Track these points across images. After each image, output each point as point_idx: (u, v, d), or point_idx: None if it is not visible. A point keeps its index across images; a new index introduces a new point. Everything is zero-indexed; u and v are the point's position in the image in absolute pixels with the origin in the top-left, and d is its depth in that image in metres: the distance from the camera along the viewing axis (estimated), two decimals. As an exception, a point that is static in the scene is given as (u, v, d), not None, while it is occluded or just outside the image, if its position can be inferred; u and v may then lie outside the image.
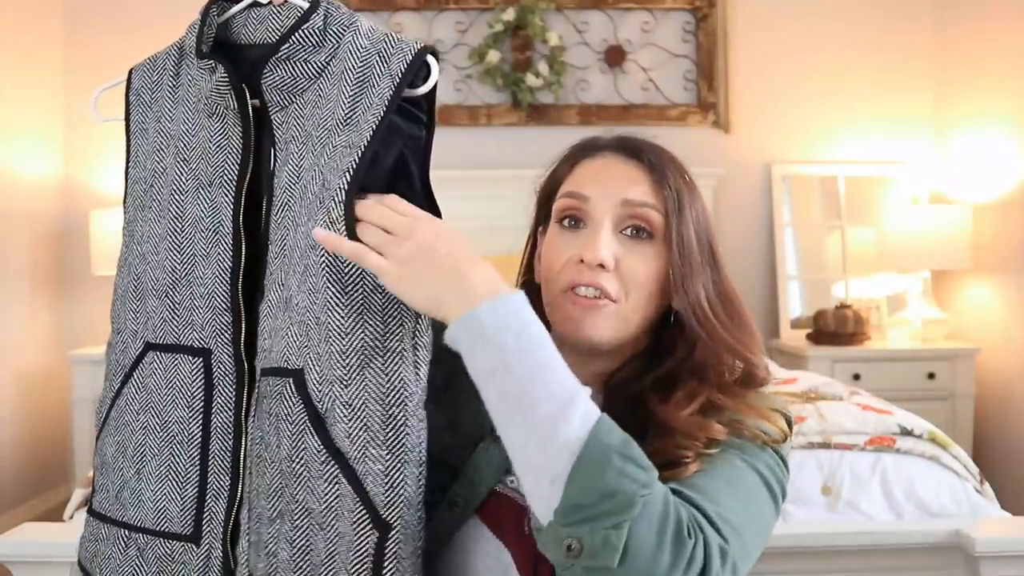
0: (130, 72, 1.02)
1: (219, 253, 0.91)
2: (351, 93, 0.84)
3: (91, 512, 1.01)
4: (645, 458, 0.72)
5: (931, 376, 3.30)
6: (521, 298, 0.76)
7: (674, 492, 0.75)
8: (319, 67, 0.88)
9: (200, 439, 0.91)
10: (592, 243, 0.87)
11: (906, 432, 1.73)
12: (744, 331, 0.90)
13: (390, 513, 0.80)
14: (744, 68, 3.77)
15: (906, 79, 3.78)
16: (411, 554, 0.80)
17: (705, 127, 3.76)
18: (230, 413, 0.90)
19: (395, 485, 0.80)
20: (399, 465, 0.80)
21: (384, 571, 0.79)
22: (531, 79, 3.63)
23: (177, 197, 0.94)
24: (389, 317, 0.81)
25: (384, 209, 0.79)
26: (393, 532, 0.79)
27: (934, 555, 1.53)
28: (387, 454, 0.80)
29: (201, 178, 0.93)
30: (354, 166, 0.81)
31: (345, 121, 0.84)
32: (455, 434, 0.90)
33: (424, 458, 0.82)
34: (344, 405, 0.81)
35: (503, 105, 3.74)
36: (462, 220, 3.28)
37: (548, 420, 0.71)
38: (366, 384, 0.80)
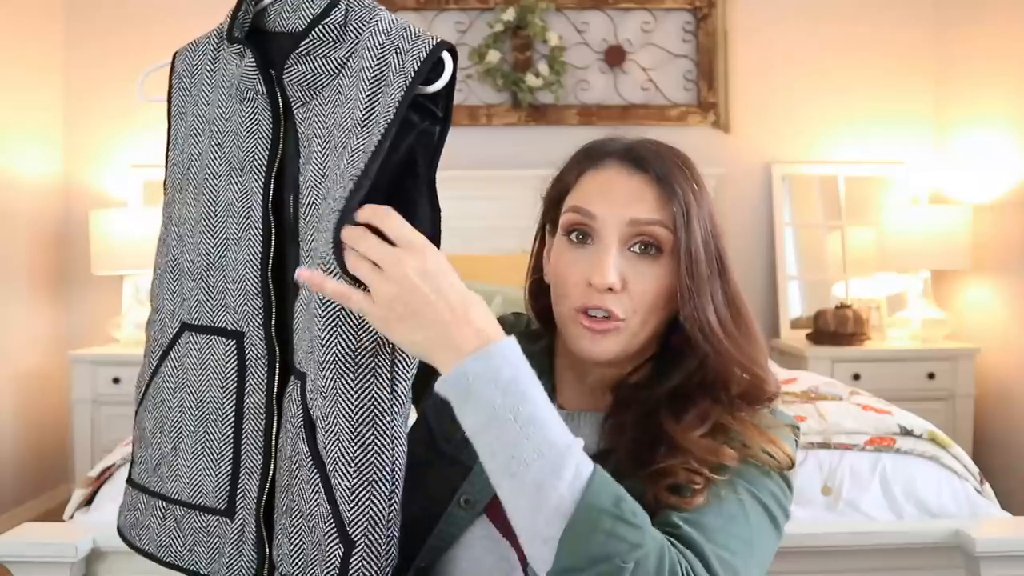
0: (174, 55, 1.04)
1: (250, 238, 0.92)
2: (368, 93, 0.84)
3: (130, 482, 1.04)
4: (639, 513, 0.72)
5: (931, 376, 3.30)
6: (510, 345, 0.75)
7: (676, 527, 0.76)
8: (339, 63, 0.87)
9: (233, 419, 0.93)
10: (599, 267, 0.87)
11: (906, 432, 1.73)
12: (752, 343, 0.90)
13: (355, 530, 0.80)
14: (744, 68, 3.77)
15: (906, 79, 3.78)
16: (378, 571, 0.80)
17: (705, 127, 3.76)
18: (262, 394, 0.91)
19: (360, 503, 0.80)
20: (365, 484, 0.80)
21: None
22: (531, 79, 3.63)
23: (211, 181, 0.96)
24: (362, 331, 0.80)
25: (371, 240, 0.76)
26: (356, 549, 0.80)
27: (934, 555, 1.53)
28: (354, 471, 0.80)
29: (233, 163, 0.94)
30: (359, 172, 0.79)
31: (363, 123, 0.83)
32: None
33: (400, 476, 0.82)
34: (322, 417, 0.82)
35: (503, 105, 3.74)
36: (462, 220, 3.29)
37: (536, 483, 0.71)
38: (337, 398, 0.80)
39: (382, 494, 0.80)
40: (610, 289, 0.86)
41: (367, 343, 0.81)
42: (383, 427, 0.80)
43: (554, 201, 0.96)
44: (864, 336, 3.42)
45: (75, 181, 3.77)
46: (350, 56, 0.87)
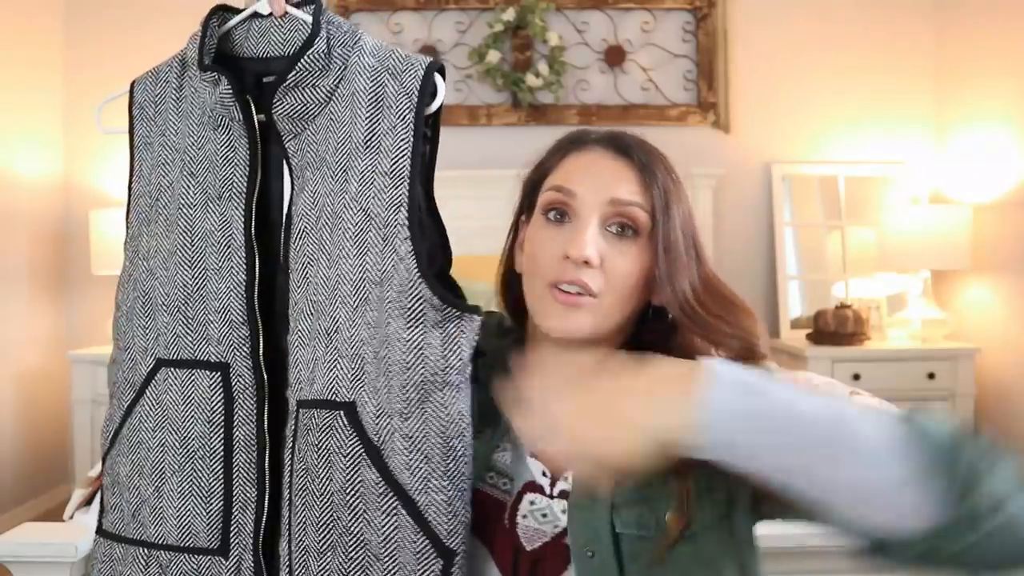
0: (132, 84, 1.01)
1: (232, 267, 0.91)
2: (367, 115, 0.85)
3: (101, 532, 0.99)
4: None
5: (931, 376, 3.30)
6: (722, 364, 0.67)
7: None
8: (328, 91, 0.88)
9: (223, 453, 0.91)
10: (577, 240, 0.87)
11: (906, 432, 1.73)
12: (737, 314, 0.89)
13: (454, 540, 0.82)
14: (744, 68, 3.77)
15: (906, 79, 3.78)
16: (467, 574, 0.83)
17: (705, 127, 3.76)
18: (252, 426, 0.90)
19: (457, 513, 0.82)
20: (459, 494, 0.83)
21: None
22: (531, 79, 3.63)
23: (185, 211, 0.93)
24: (449, 352, 0.83)
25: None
26: (456, 558, 0.82)
27: (934, 555, 1.53)
28: (448, 484, 0.82)
29: (209, 191, 0.92)
30: (406, 199, 0.82)
31: (365, 144, 0.84)
32: None
33: (472, 482, 0.84)
34: (404, 438, 0.82)
35: (503, 105, 3.74)
36: (462, 220, 3.27)
37: (856, 437, 0.64)
38: (426, 417, 0.82)
39: (468, 500, 0.83)
40: (586, 263, 0.86)
41: (453, 361, 0.83)
42: (468, 438, 0.84)
43: (533, 186, 0.96)
44: (864, 336, 3.42)
45: (75, 181, 3.77)
46: (339, 83, 0.88)
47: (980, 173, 3.50)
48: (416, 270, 0.82)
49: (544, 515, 0.87)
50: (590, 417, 0.67)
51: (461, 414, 0.83)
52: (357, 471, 0.83)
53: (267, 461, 0.90)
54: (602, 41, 3.77)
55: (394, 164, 0.83)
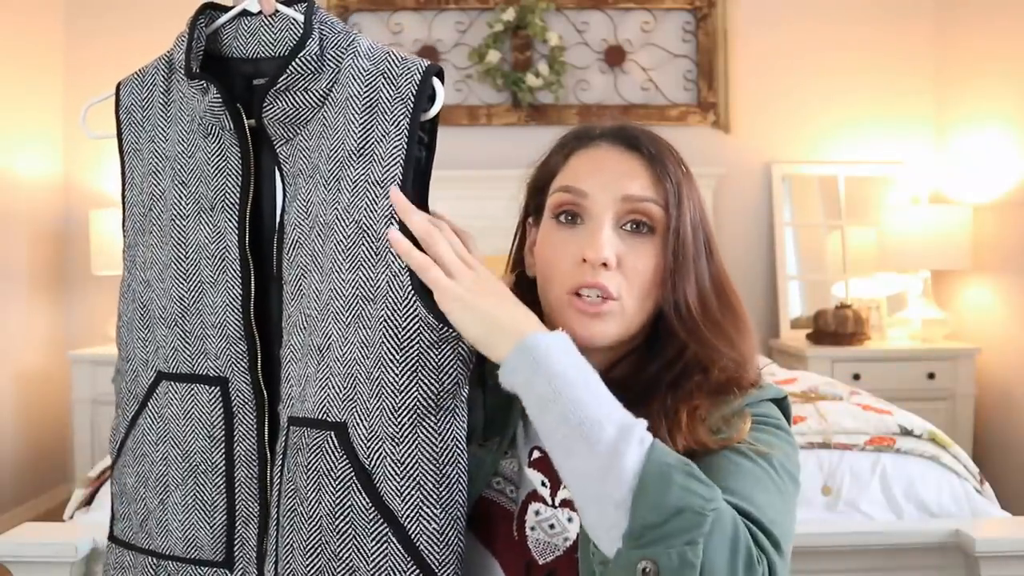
0: (118, 87, 0.98)
1: (227, 280, 0.89)
2: (360, 121, 0.81)
3: (113, 539, 0.99)
4: (704, 476, 0.71)
5: (931, 376, 3.30)
6: (566, 336, 0.77)
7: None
8: (321, 95, 0.84)
9: (224, 467, 0.90)
10: (594, 241, 0.84)
11: (906, 432, 1.73)
12: (737, 329, 0.88)
13: (445, 570, 0.79)
14: (744, 68, 3.77)
15: (906, 79, 3.78)
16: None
17: (705, 127, 3.76)
18: (252, 441, 0.89)
19: (449, 543, 0.79)
20: (452, 523, 0.80)
21: None
22: (531, 79, 3.63)
23: (178, 222, 0.91)
24: (444, 374, 0.79)
25: (450, 243, 0.81)
26: None
27: (934, 555, 1.53)
28: (441, 513, 0.79)
29: (202, 202, 0.90)
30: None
31: (358, 152, 0.81)
32: None
33: (467, 510, 0.82)
34: (396, 463, 0.79)
35: (503, 105, 3.74)
36: (462, 220, 3.28)
37: (610, 445, 0.69)
38: (419, 443, 0.79)
39: (462, 529, 0.81)
40: (604, 265, 0.83)
41: (448, 384, 0.80)
42: (463, 466, 0.81)
43: (539, 187, 0.93)
44: (864, 336, 3.42)
45: (75, 181, 3.77)
46: (332, 87, 0.84)
47: (980, 173, 3.50)
48: (410, 287, 0.78)
49: (551, 526, 0.86)
50: (477, 293, 0.78)
51: (456, 439, 0.80)
52: (347, 495, 0.80)
53: (268, 475, 0.88)
54: (602, 41, 3.77)
55: (386, 172, 0.80)
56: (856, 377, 3.26)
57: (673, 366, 0.87)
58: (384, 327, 0.79)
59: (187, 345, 0.91)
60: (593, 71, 3.77)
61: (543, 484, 0.88)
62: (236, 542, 0.90)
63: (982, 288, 3.50)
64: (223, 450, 0.89)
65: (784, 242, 3.72)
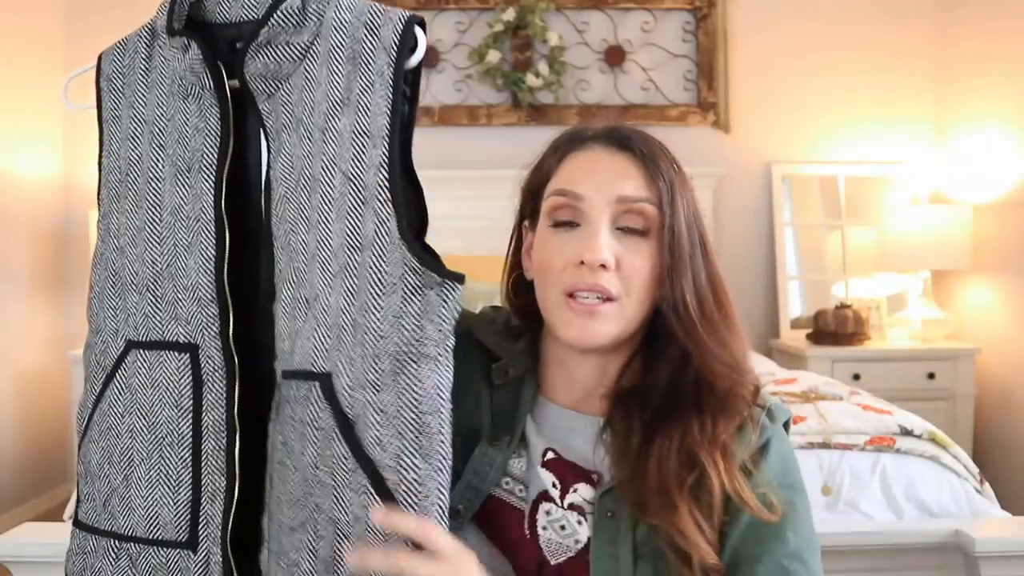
0: (99, 57, 0.98)
1: (201, 242, 0.87)
2: (344, 72, 0.81)
3: (77, 524, 0.97)
4: None
5: (931, 376, 3.30)
6: None
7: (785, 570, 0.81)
8: (303, 48, 0.84)
9: (191, 439, 0.87)
10: (591, 244, 0.84)
11: (906, 432, 1.73)
12: (730, 330, 0.88)
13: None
14: (744, 68, 3.77)
15: (906, 79, 3.78)
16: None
17: (705, 127, 3.76)
18: (221, 410, 0.86)
19: (429, 495, 0.76)
20: (433, 474, 0.77)
21: None
22: (531, 79, 3.62)
23: (154, 185, 0.89)
24: (427, 321, 0.77)
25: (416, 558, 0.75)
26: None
27: (934, 555, 1.53)
28: (421, 464, 0.76)
29: (179, 164, 0.88)
30: (386, 160, 0.78)
31: (343, 103, 0.81)
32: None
33: (451, 466, 0.79)
34: (376, 411, 0.77)
35: (503, 105, 3.74)
36: (462, 220, 3.29)
37: None
38: (399, 390, 0.77)
39: (445, 484, 0.78)
40: (603, 267, 0.84)
41: (431, 332, 0.77)
42: (445, 416, 0.78)
43: (533, 191, 0.93)
44: (864, 336, 3.42)
45: (75, 181, 3.77)
46: (314, 40, 0.84)
47: (980, 173, 3.50)
48: (396, 232, 0.77)
49: (562, 527, 0.86)
50: None
51: (438, 388, 0.77)
52: (328, 445, 0.79)
53: (237, 448, 0.85)
54: (602, 41, 3.77)
55: (372, 123, 0.79)
56: (856, 377, 3.26)
57: (684, 370, 0.87)
58: (369, 273, 0.78)
59: (158, 311, 0.89)
60: (593, 71, 3.77)
61: (554, 486, 0.88)
62: (201, 520, 0.86)
63: (982, 288, 3.50)
64: (191, 421, 0.87)
65: (784, 242, 3.72)
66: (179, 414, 0.87)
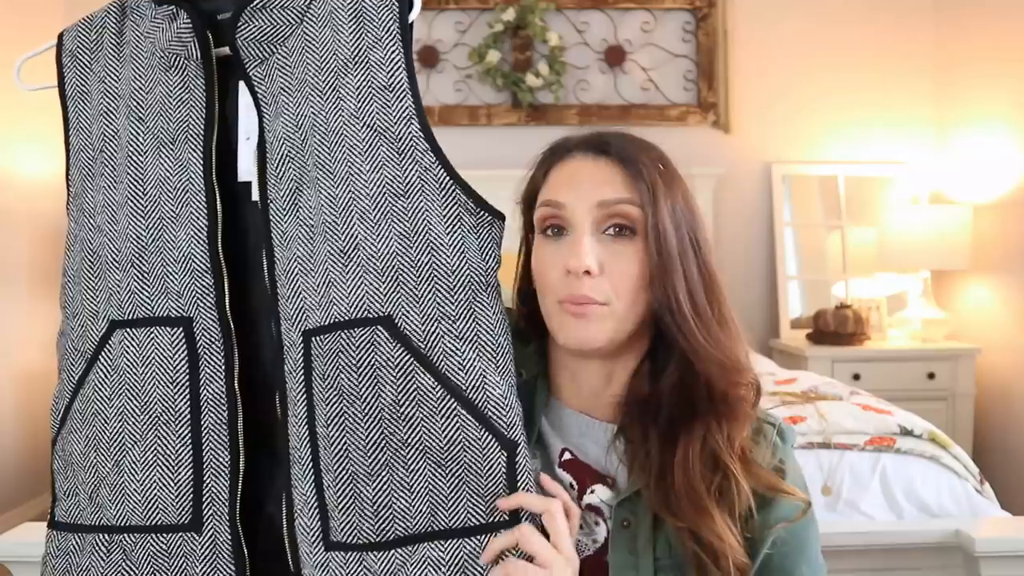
0: (60, 35, 0.96)
1: (191, 213, 0.86)
2: (349, 30, 0.83)
3: (54, 525, 0.92)
4: None
5: (931, 376, 3.30)
6: None
7: None
8: (300, 11, 0.85)
9: (189, 415, 0.85)
10: (574, 252, 0.85)
11: (906, 432, 1.73)
12: (727, 331, 0.88)
13: (514, 432, 0.82)
14: (744, 68, 3.77)
15: (906, 79, 3.78)
16: (533, 465, 0.84)
17: (705, 127, 3.76)
18: (221, 383, 0.84)
19: (512, 406, 0.83)
20: (511, 387, 0.84)
21: (518, 485, 0.81)
22: (531, 79, 3.62)
23: (135, 159, 0.88)
24: (487, 254, 0.85)
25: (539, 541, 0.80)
26: (519, 448, 0.82)
27: (934, 555, 1.53)
28: (501, 380, 0.83)
29: (162, 136, 0.88)
30: (414, 111, 0.83)
31: (353, 60, 0.83)
32: None
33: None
34: (456, 339, 0.83)
35: (503, 105, 3.74)
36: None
37: None
38: (475, 317, 0.84)
39: (516, 393, 0.85)
40: (587, 273, 0.85)
41: (492, 263, 0.86)
42: (510, 336, 0.86)
43: (528, 203, 0.95)
44: (864, 336, 3.42)
45: (75, 181, 3.76)
46: (311, 3, 0.85)
47: (980, 173, 3.50)
48: (447, 176, 0.83)
49: (580, 526, 0.87)
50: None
51: (503, 313, 0.86)
52: (410, 380, 0.81)
53: (240, 420, 0.84)
54: (602, 41, 3.77)
55: (392, 78, 0.83)
56: (856, 377, 3.26)
57: (693, 373, 0.87)
58: (426, 217, 0.82)
59: (145, 287, 0.87)
60: (593, 71, 3.77)
61: (571, 486, 0.89)
62: (205, 499, 0.84)
63: (982, 288, 3.50)
64: (187, 396, 0.85)
65: (784, 242, 3.72)
66: (174, 390, 0.85)
